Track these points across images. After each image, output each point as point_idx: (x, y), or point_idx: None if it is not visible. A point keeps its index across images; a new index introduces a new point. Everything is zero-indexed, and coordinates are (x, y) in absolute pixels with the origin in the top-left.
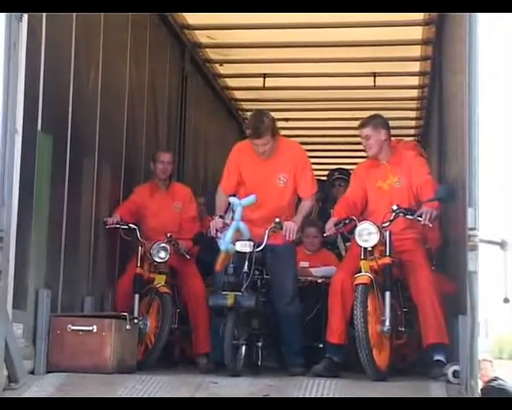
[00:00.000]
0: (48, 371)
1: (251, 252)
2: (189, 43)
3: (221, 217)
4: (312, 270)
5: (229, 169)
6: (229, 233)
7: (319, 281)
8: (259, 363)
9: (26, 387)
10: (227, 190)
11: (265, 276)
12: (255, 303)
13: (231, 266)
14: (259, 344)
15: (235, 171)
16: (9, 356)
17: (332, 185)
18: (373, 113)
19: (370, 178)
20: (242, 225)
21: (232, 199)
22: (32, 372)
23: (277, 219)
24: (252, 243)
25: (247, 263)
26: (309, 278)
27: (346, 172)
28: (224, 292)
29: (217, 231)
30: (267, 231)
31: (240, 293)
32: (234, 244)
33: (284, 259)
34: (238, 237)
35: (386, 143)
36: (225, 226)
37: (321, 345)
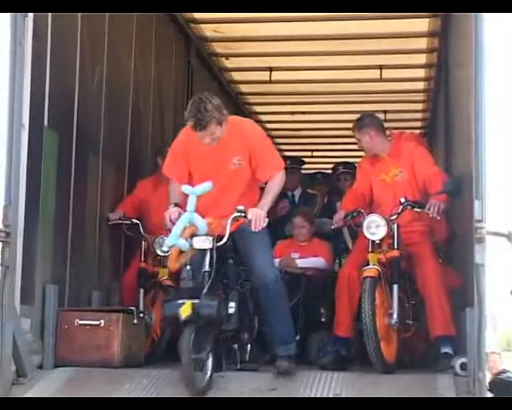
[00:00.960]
0: (56, 366)
1: (211, 248)
2: (195, 37)
3: (176, 205)
4: (298, 261)
5: (175, 159)
6: (179, 226)
7: (298, 272)
8: (238, 367)
9: (35, 381)
10: (179, 179)
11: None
12: (217, 311)
13: (187, 268)
14: (236, 346)
15: (184, 161)
16: (17, 351)
17: (337, 179)
18: (377, 106)
19: (374, 172)
20: (196, 217)
21: (184, 187)
22: (40, 367)
23: (239, 207)
24: (211, 238)
25: (207, 261)
26: (288, 269)
27: (351, 166)
28: (181, 300)
29: (172, 222)
30: (229, 221)
31: (198, 300)
32: (188, 240)
33: (255, 236)
34: (193, 231)
35: (379, 140)
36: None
37: (297, 338)
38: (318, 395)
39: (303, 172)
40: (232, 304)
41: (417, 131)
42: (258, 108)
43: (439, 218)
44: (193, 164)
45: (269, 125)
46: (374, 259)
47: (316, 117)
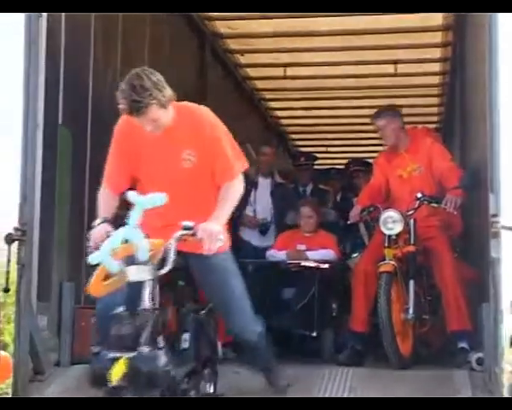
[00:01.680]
0: (72, 363)
1: (152, 279)
2: (210, 34)
3: (106, 221)
4: (308, 253)
5: (114, 156)
6: (113, 240)
7: (313, 265)
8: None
9: (52, 379)
10: (116, 186)
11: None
12: (163, 362)
13: (120, 310)
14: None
15: (124, 158)
16: (34, 348)
17: (351, 176)
18: (392, 100)
19: (391, 167)
20: (138, 235)
21: (131, 195)
22: (57, 364)
23: (185, 223)
24: (151, 266)
25: (146, 295)
26: (302, 263)
27: (363, 163)
28: (112, 353)
29: (96, 247)
30: (172, 242)
31: (135, 352)
32: (120, 263)
33: (216, 270)
34: (130, 252)
35: (402, 132)
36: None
37: (314, 334)
38: (335, 391)
39: (316, 167)
40: (186, 336)
41: (432, 126)
42: (273, 104)
43: (455, 213)
44: (136, 161)
45: (284, 121)
46: (390, 254)
47: (330, 112)
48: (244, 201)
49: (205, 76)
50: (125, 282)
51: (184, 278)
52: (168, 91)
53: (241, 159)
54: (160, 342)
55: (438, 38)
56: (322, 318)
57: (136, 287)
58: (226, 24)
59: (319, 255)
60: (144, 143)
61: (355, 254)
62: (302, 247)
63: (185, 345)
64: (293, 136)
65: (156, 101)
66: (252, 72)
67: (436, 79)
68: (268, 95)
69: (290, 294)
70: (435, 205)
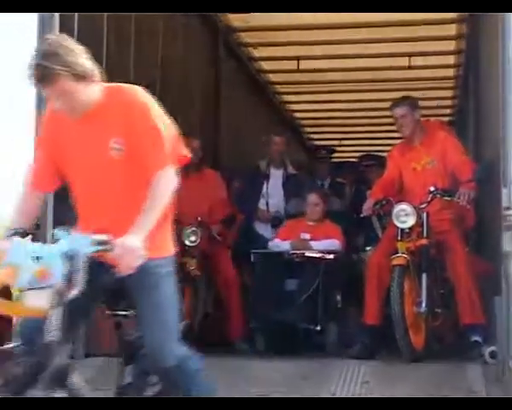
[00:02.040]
0: (86, 356)
1: (56, 306)
2: (223, 27)
3: (16, 234)
4: (313, 243)
5: (37, 150)
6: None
7: (318, 256)
8: None
9: None
10: (40, 183)
11: None
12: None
13: (17, 345)
14: None
15: (46, 149)
16: None
17: (364, 170)
18: (406, 93)
19: (405, 160)
20: (20, 255)
21: (56, 231)
22: (72, 357)
23: (99, 237)
24: (54, 290)
25: (54, 321)
26: (306, 253)
27: (375, 157)
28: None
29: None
30: (79, 260)
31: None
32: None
33: (142, 276)
34: (44, 274)
35: (418, 124)
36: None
37: (318, 328)
38: (347, 384)
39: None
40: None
41: (446, 119)
42: (287, 98)
43: (469, 206)
44: (58, 152)
45: (298, 115)
46: (403, 247)
47: (344, 106)
48: (257, 194)
49: (218, 70)
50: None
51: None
52: (87, 64)
53: (179, 148)
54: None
55: (452, 30)
56: (327, 311)
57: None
58: (239, 17)
59: (324, 245)
60: (65, 131)
61: (368, 248)
62: (306, 236)
63: None
64: (308, 129)
65: (67, 69)
66: (265, 65)
67: (451, 72)
68: (282, 88)
69: (294, 285)
70: (448, 198)
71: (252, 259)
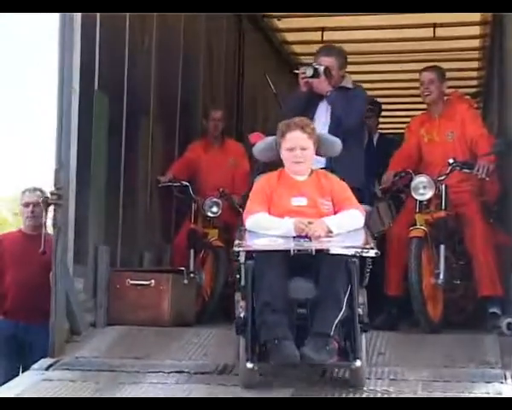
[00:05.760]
0: (108, 324)
1: None
2: None
3: None
4: None
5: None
6: None
7: None
8: None
9: (88, 339)
10: None
11: None
12: None
13: None
14: None
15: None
16: (71, 309)
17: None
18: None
19: (423, 132)
20: None
21: None
22: (93, 325)
23: None
24: None
25: None
26: None
27: (375, 102)
28: None
29: None
30: None
31: None
32: None
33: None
34: None
35: (442, 96)
36: None
37: None
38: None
39: None
40: None
41: (471, 90)
42: None
43: (487, 179)
44: None
45: None
46: (421, 219)
47: (368, 77)
48: None
49: (242, 41)
50: None
51: None
52: None
53: None
54: None
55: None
56: None
57: None
58: None
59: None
60: None
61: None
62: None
63: None
64: None
65: None
66: (289, 36)
67: (476, 43)
68: (306, 59)
69: None
70: (467, 171)
71: None
